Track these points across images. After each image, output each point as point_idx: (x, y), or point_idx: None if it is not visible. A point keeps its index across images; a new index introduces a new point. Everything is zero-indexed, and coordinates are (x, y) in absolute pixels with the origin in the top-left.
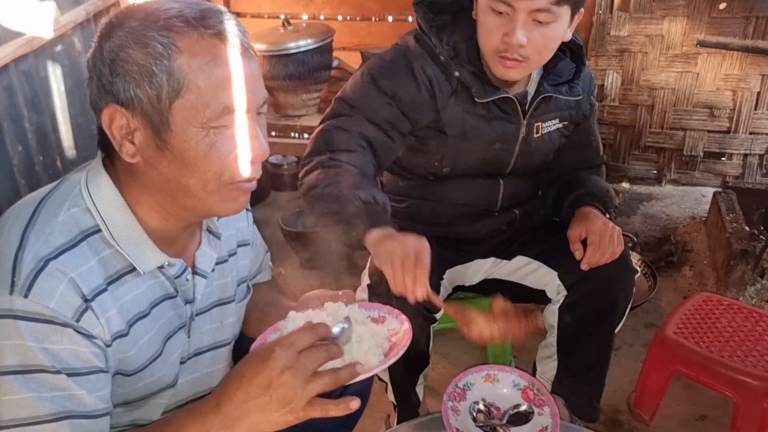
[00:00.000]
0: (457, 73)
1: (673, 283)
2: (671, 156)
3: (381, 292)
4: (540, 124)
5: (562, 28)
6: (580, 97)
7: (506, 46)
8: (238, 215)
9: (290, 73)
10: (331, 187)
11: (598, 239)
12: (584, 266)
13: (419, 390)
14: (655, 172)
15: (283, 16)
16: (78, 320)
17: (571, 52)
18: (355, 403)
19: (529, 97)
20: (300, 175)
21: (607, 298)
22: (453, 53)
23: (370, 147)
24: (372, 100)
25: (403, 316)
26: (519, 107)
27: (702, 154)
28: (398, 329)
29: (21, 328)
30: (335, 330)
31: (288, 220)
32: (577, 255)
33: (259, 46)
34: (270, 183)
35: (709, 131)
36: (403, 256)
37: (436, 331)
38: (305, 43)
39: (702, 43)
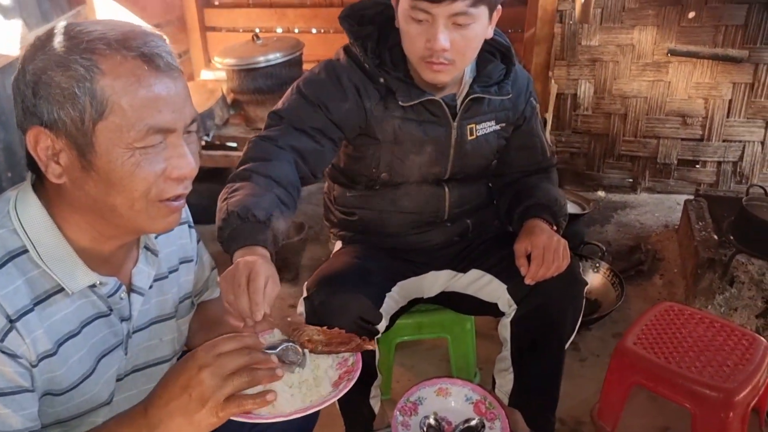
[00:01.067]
0: (382, 80)
1: (643, 293)
2: (645, 164)
3: (317, 306)
4: (474, 126)
5: (482, 27)
6: (509, 95)
7: (430, 51)
8: (180, 232)
9: (259, 87)
10: (224, 203)
11: (542, 253)
12: (528, 281)
13: (373, 403)
14: (630, 180)
15: (258, 30)
16: (2, 340)
17: (501, 54)
18: (270, 396)
19: (459, 99)
20: None
21: (554, 311)
22: (378, 61)
23: (298, 155)
24: (300, 110)
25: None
26: (447, 109)
27: (676, 162)
28: (348, 358)
29: None
30: (276, 348)
31: None
32: (522, 270)
33: (228, 61)
34: None
35: (682, 139)
36: (235, 281)
37: (398, 344)
38: (274, 57)
39: (672, 52)
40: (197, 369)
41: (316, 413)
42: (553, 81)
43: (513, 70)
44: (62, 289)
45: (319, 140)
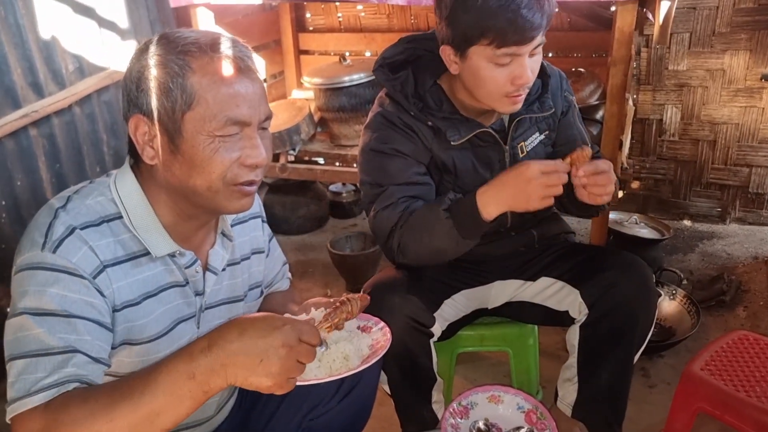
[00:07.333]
0: (429, 123)
1: (723, 323)
2: (736, 193)
3: (372, 303)
4: (523, 143)
5: None
6: (552, 110)
7: (516, 87)
8: (254, 224)
9: (343, 105)
10: (420, 227)
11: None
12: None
13: (436, 408)
14: (719, 209)
15: (347, 53)
16: (95, 278)
17: None
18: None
19: (506, 123)
20: (392, 258)
21: (626, 315)
22: (421, 105)
23: (417, 198)
24: (387, 167)
25: (387, 329)
26: (498, 136)
27: None
28: (380, 340)
29: (46, 277)
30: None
31: (336, 244)
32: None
33: (316, 80)
34: (328, 210)
35: None
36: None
37: (463, 357)
38: (358, 77)
39: (767, 78)
40: (280, 344)
41: (370, 408)
42: (630, 102)
43: (548, 83)
44: (147, 254)
45: (422, 180)
